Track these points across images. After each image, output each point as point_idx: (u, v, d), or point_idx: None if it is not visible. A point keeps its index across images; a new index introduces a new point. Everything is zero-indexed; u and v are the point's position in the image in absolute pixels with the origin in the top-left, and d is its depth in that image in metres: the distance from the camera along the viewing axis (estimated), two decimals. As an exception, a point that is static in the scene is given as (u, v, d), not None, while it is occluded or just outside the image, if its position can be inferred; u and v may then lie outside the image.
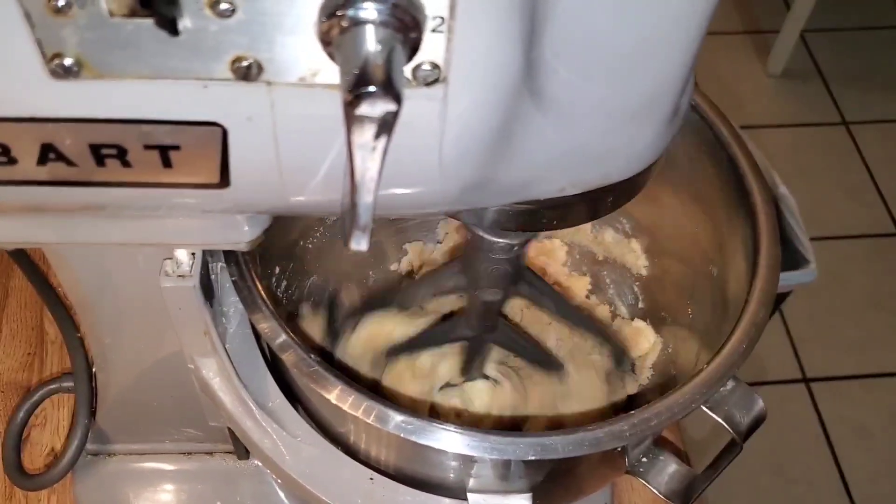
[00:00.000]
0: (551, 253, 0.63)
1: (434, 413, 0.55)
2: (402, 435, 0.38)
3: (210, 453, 0.55)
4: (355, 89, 0.22)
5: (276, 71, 0.26)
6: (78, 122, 0.28)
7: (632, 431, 0.39)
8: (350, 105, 0.23)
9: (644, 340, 0.57)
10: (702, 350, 0.49)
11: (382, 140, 0.23)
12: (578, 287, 0.63)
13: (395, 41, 0.23)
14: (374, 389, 0.54)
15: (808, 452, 1.31)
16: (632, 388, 0.57)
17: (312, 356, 0.40)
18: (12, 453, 0.54)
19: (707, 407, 0.41)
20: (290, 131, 0.28)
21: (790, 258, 0.46)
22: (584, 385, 0.56)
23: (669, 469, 0.48)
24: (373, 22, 0.23)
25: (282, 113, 0.27)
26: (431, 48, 0.25)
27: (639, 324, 0.59)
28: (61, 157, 0.29)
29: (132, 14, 0.24)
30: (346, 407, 0.38)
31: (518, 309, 0.60)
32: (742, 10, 1.92)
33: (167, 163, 0.29)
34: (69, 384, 0.55)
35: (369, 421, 0.38)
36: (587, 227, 0.61)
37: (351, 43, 0.23)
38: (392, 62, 0.23)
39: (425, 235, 0.64)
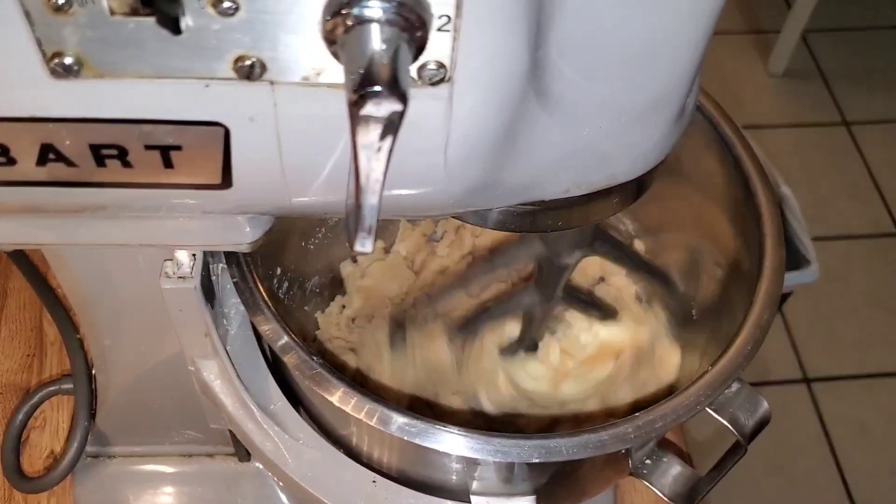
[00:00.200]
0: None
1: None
2: (404, 437, 0.37)
3: (211, 455, 0.55)
4: (360, 89, 0.22)
5: (280, 70, 0.26)
6: (78, 122, 0.27)
7: (636, 433, 0.38)
8: (355, 105, 0.22)
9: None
10: (706, 352, 0.49)
11: (388, 140, 0.23)
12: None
13: (401, 40, 0.23)
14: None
15: (809, 452, 1.31)
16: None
17: (315, 358, 0.39)
18: (11, 456, 0.54)
19: (712, 409, 0.41)
20: (294, 131, 0.28)
21: (792, 258, 0.46)
22: (643, 336, 0.57)
23: (673, 471, 0.47)
24: (378, 20, 0.23)
25: (285, 113, 0.27)
26: (437, 47, 0.25)
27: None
28: (61, 158, 0.28)
29: (133, 12, 0.24)
30: (348, 409, 0.38)
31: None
32: (743, 9, 1.92)
33: (168, 163, 0.29)
34: (69, 386, 0.55)
35: (372, 423, 0.38)
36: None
37: (356, 42, 0.23)
38: (398, 61, 0.23)
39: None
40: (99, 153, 0.28)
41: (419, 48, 0.24)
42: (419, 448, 0.38)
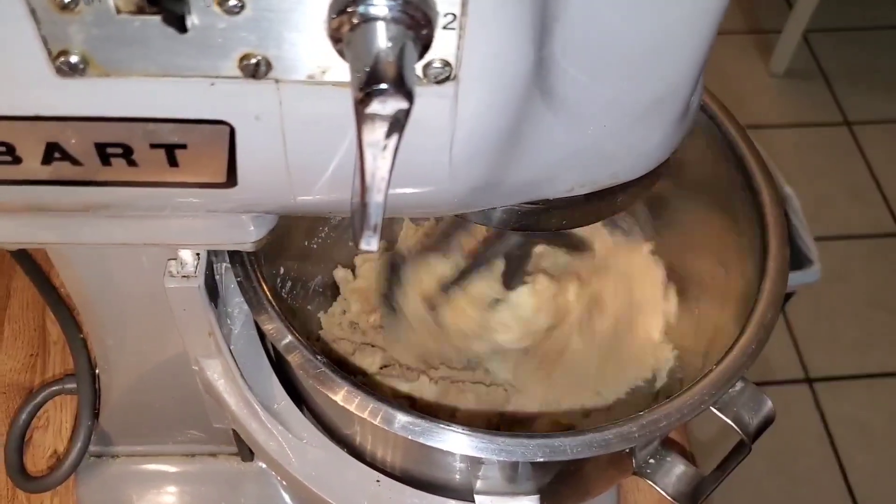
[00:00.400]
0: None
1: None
2: (408, 436, 0.37)
3: (214, 455, 0.55)
4: (366, 87, 0.22)
5: (285, 68, 0.26)
6: (83, 121, 0.27)
7: (641, 433, 0.38)
8: (361, 103, 0.22)
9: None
10: (710, 351, 0.49)
11: (393, 139, 0.23)
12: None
13: (407, 38, 0.23)
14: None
15: (811, 452, 1.31)
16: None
17: (319, 357, 0.39)
18: (15, 455, 0.54)
19: (716, 408, 0.41)
20: (299, 130, 0.28)
21: (794, 258, 0.46)
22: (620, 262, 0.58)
23: (677, 470, 0.47)
24: (384, 18, 0.23)
25: (290, 111, 0.27)
26: (442, 45, 0.25)
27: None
28: (66, 157, 0.28)
29: (139, 11, 0.24)
30: (352, 408, 0.38)
31: None
32: (744, 9, 1.92)
33: (173, 162, 0.29)
34: (72, 385, 0.55)
35: (375, 422, 0.38)
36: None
37: (361, 40, 0.23)
38: (403, 59, 0.23)
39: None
40: (104, 152, 0.28)
41: (425, 46, 0.24)
42: (423, 447, 0.38)
